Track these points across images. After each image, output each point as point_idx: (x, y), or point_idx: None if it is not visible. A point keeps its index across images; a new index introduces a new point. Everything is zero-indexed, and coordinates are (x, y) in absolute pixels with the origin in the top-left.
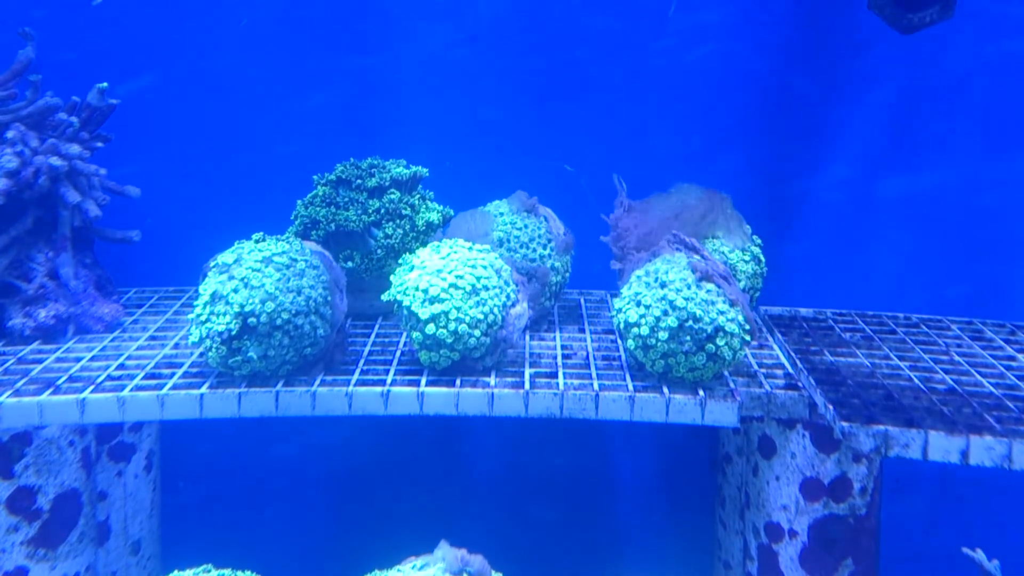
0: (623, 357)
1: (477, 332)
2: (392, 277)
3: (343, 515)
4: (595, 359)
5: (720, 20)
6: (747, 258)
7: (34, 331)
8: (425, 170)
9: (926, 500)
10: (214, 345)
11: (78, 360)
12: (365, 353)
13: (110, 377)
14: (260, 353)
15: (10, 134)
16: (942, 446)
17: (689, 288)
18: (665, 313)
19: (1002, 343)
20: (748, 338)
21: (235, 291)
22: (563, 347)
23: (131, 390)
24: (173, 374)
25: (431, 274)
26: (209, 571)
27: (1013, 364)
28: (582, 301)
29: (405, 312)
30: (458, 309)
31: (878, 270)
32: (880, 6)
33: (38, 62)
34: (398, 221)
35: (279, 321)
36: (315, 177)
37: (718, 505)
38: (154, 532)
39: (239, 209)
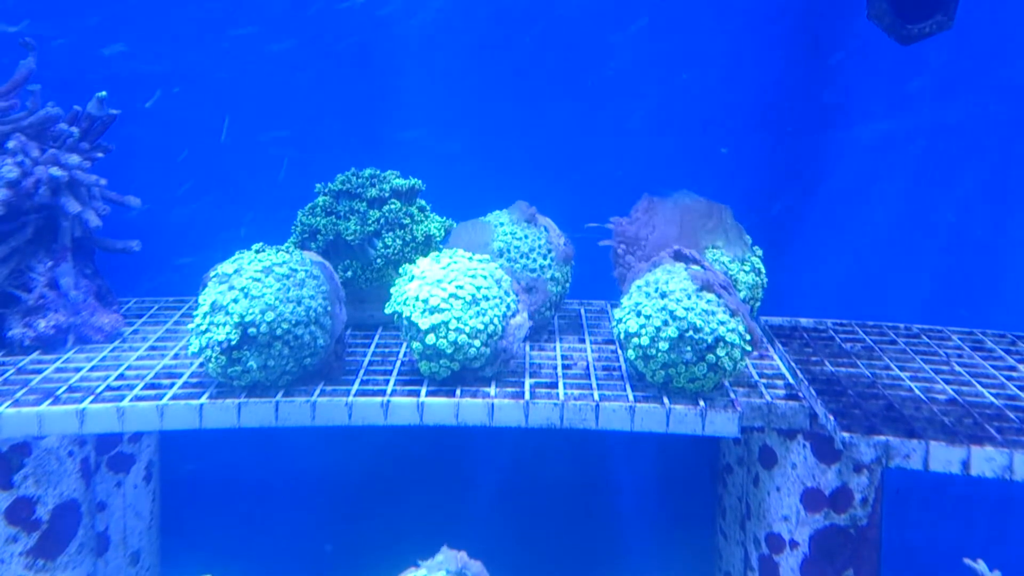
0: (623, 367)
1: (477, 342)
2: (392, 288)
3: (343, 525)
4: (595, 369)
5: (722, 31)
6: (747, 268)
7: (34, 341)
8: (420, 182)
9: (927, 510)
10: (214, 355)
11: (78, 370)
12: (365, 363)
13: (109, 387)
14: (260, 363)
15: (11, 144)
16: (943, 457)
17: (689, 298)
18: (665, 323)
19: (1003, 353)
20: (749, 348)
21: (235, 301)
22: (563, 357)
23: (130, 400)
24: (173, 384)
25: (431, 284)
26: None
27: (1014, 375)
28: (582, 311)
29: (405, 322)
30: (458, 319)
31: (879, 280)
32: (880, 16)
33: (39, 72)
34: (398, 231)
35: (279, 331)
36: (317, 187)
37: (719, 516)
38: (153, 543)
39: (239, 219)
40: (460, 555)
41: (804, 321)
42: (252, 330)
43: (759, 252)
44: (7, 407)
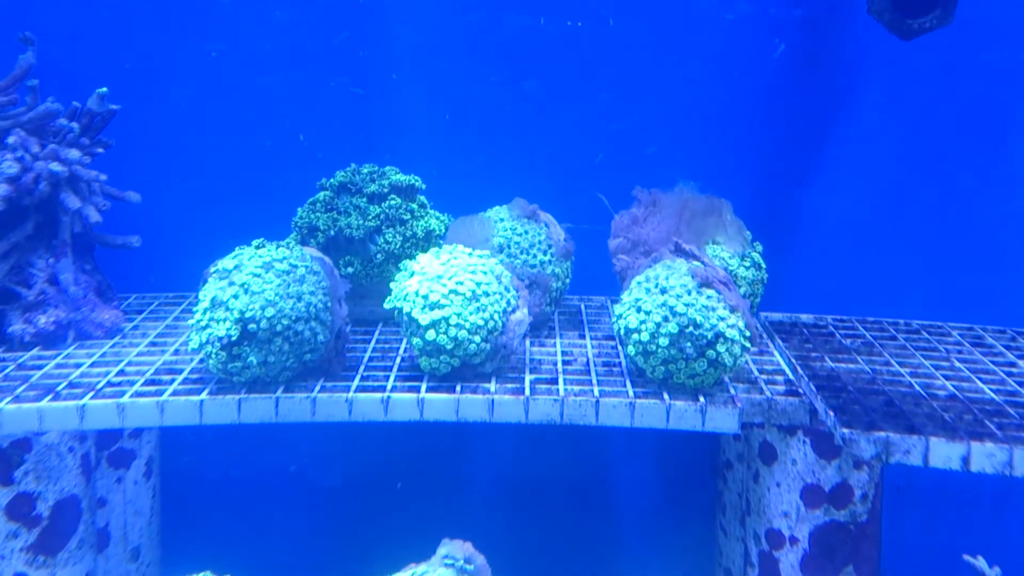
0: (624, 363)
1: (477, 338)
2: (392, 283)
3: (343, 522)
4: (595, 365)
5: (722, 27)
6: (747, 264)
7: (34, 337)
8: (419, 179)
9: (927, 506)
10: (214, 351)
11: (78, 366)
12: (365, 359)
13: (110, 383)
14: (260, 359)
15: (11, 140)
16: (943, 453)
17: (689, 294)
18: (665, 319)
19: (1003, 349)
20: (748, 344)
21: (235, 297)
22: (563, 353)
23: (131, 396)
24: (173, 380)
25: (431, 280)
26: None
27: (1014, 370)
28: (582, 307)
29: (405, 318)
30: (458, 315)
31: (879, 276)
32: (880, 12)
33: (39, 66)
34: (398, 227)
35: (279, 327)
36: (319, 182)
37: (719, 511)
38: (153, 538)
39: (239, 215)
40: (466, 545)
41: (804, 317)
42: (252, 326)
43: (759, 248)
44: (7, 403)
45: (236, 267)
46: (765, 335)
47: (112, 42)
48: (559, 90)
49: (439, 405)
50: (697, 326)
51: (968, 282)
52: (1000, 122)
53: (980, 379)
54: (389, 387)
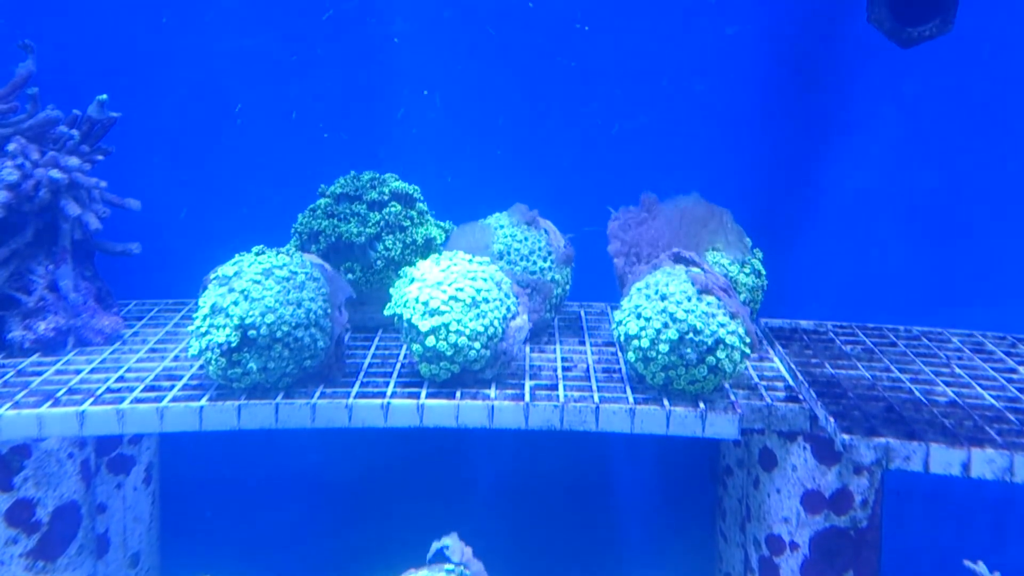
0: (624, 369)
1: (477, 344)
2: (392, 290)
3: (342, 527)
4: (595, 371)
5: (722, 33)
6: (747, 271)
7: (34, 343)
8: (418, 189)
9: (927, 511)
10: (214, 357)
11: (78, 372)
12: (365, 365)
13: (109, 389)
14: (260, 365)
15: (11, 147)
16: (943, 459)
17: (689, 301)
18: (665, 326)
19: (1003, 356)
20: (749, 351)
21: (235, 303)
22: (563, 359)
23: (130, 402)
24: (173, 386)
25: (431, 286)
26: None
27: (1014, 377)
28: (582, 313)
29: (405, 324)
30: (458, 321)
31: (879, 282)
32: (880, 20)
33: (39, 74)
34: (398, 234)
35: (279, 333)
36: (320, 189)
37: (719, 517)
38: (153, 544)
39: (240, 221)
40: (467, 550)
41: (804, 323)
42: (252, 332)
43: (759, 255)
44: (7, 409)
45: (236, 273)
46: (765, 341)
47: (112, 49)
48: (559, 94)
49: (439, 411)
50: (697, 332)
51: (968, 288)
52: (1001, 127)
53: (980, 385)
54: (389, 393)
